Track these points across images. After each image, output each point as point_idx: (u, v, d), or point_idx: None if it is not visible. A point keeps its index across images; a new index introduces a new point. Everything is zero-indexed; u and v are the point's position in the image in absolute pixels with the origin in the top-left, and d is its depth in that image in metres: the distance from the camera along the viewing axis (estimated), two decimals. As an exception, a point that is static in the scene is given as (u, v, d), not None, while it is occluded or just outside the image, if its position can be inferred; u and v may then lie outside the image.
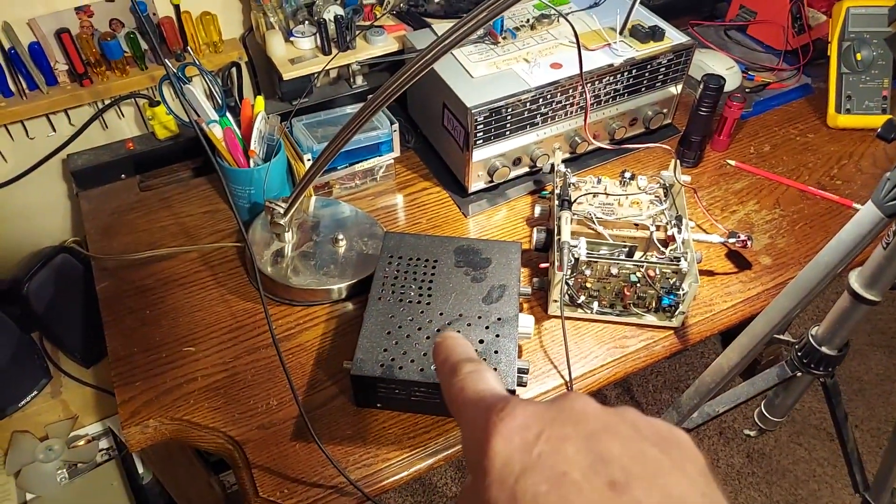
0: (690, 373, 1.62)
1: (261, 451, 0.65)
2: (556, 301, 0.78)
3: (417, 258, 0.76)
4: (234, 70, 0.99)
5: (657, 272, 0.75)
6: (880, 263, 0.58)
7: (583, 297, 0.78)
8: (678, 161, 0.86)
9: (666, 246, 0.80)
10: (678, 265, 0.74)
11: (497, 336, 0.68)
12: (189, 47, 0.93)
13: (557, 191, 0.85)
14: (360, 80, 1.04)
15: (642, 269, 0.75)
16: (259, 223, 0.84)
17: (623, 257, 0.77)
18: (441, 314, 0.70)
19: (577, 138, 0.95)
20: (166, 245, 0.85)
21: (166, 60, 0.83)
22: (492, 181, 0.93)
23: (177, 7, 0.94)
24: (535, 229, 0.82)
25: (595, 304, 0.78)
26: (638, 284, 0.76)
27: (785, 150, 1.02)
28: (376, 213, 0.91)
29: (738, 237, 0.82)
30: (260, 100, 0.84)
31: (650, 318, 0.79)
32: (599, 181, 0.87)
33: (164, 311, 0.78)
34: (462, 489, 0.25)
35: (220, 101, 0.82)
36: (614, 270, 0.75)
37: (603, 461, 0.21)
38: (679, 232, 0.79)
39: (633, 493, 0.20)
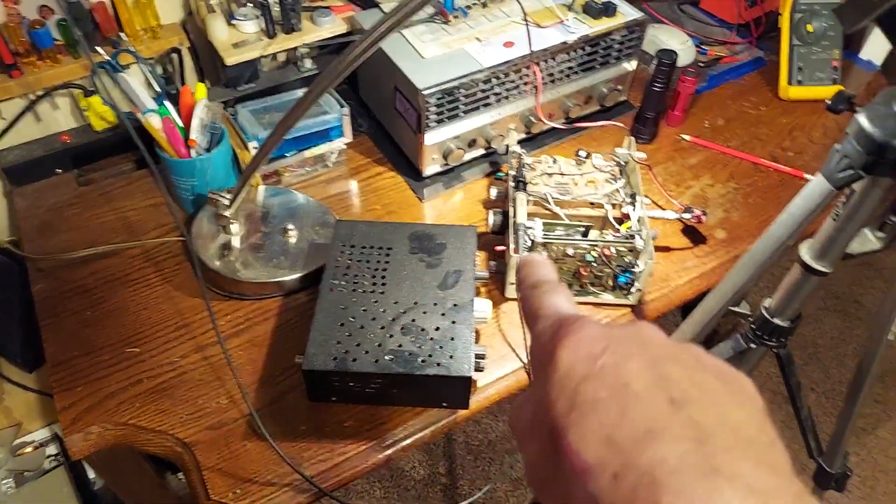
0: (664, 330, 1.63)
1: (211, 452, 0.63)
2: (512, 283, 0.76)
3: (371, 246, 0.74)
4: (174, 56, 0.95)
5: (612, 251, 0.74)
6: (830, 235, 0.58)
7: (540, 279, 0.77)
8: (633, 138, 0.85)
9: (621, 224, 0.80)
10: (633, 243, 0.74)
11: (453, 322, 0.67)
12: (124, 33, 0.89)
13: (512, 172, 0.83)
14: (308, 63, 1.01)
15: (598, 249, 0.74)
16: (205, 216, 0.81)
17: (578, 237, 0.76)
18: (396, 303, 0.68)
19: (531, 118, 0.93)
20: (108, 242, 0.82)
21: (98, 48, 0.79)
22: (447, 164, 0.91)
23: (109, -9, 0.89)
24: (490, 212, 0.81)
25: (552, 286, 0.77)
26: (594, 264, 0.75)
27: (738, 123, 1.02)
28: (329, 201, 0.89)
29: (693, 212, 0.82)
30: (201, 86, 0.80)
31: (607, 297, 0.78)
32: (555, 161, 0.86)
33: (106, 312, 0.75)
34: (521, 398, 0.26)
35: (158, 89, 0.79)
36: (570, 251, 0.75)
37: (664, 379, 0.22)
38: (634, 210, 0.79)
39: (690, 410, 0.21)
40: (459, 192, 0.91)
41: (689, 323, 0.65)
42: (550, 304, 0.28)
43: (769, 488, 0.19)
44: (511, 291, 0.78)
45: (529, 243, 0.74)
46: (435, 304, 0.69)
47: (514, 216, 0.77)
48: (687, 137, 0.98)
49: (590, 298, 0.78)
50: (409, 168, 0.93)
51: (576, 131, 0.99)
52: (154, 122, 0.75)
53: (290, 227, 0.80)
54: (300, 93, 0.92)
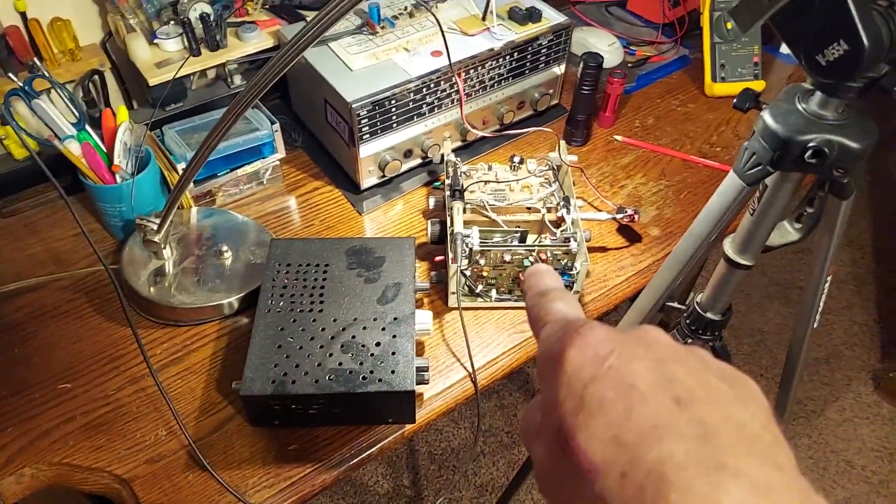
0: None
1: (151, 486, 0.61)
2: (454, 293, 0.77)
3: (307, 264, 0.73)
4: (96, 78, 0.92)
5: (549, 255, 0.75)
6: (749, 230, 0.60)
7: (480, 286, 0.78)
8: (564, 142, 0.87)
9: (558, 227, 0.81)
10: (568, 246, 0.75)
11: (394, 337, 0.67)
12: (40, 57, 0.86)
13: (448, 181, 0.84)
14: (238, 79, 0.99)
15: (534, 254, 0.75)
16: (135, 242, 0.79)
17: (515, 243, 0.77)
18: (335, 320, 0.68)
19: (465, 126, 0.94)
20: (35, 274, 0.79)
21: (11, 75, 0.76)
22: (384, 175, 0.91)
23: (23, 14, 0.86)
24: (429, 221, 0.81)
25: (493, 292, 0.78)
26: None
27: (668, 121, 1.05)
28: (266, 220, 0.87)
29: (626, 212, 0.84)
30: (122, 109, 0.78)
31: (548, 301, 0.79)
32: (490, 168, 0.87)
33: (36, 348, 0.72)
34: (530, 403, 0.27)
35: (77, 114, 0.76)
36: (508, 257, 0.75)
37: (669, 381, 0.22)
38: (568, 213, 0.80)
39: (695, 409, 0.21)
40: (399, 204, 0.91)
41: (624, 322, 0.67)
42: (557, 309, 0.28)
43: (773, 484, 0.19)
44: (453, 301, 0.78)
45: (467, 252, 0.75)
46: (375, 319, 0.68)
47: (452, 225, 0.78)
48: (619, 138, 1.00)
49: (530, 303, 0.79)
50: (347, 181, 0.92)
51: (510, 137, 1.00)
52: (73, 149, 0.73)
53: (225, 248, 0.79)
54: (230, 111, 0.91)
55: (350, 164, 0.89)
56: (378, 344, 0.66)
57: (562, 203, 0.81)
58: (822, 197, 0.59)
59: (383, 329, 0.68)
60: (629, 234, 0.88)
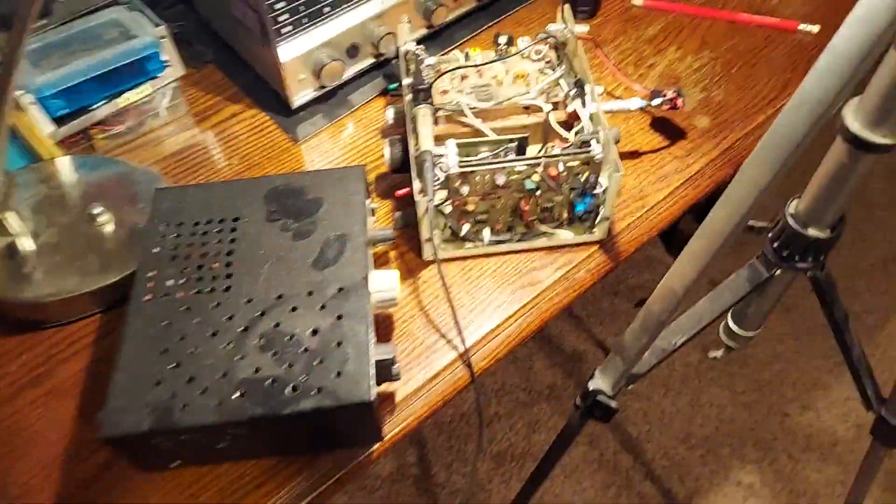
0: (631, 269, 1.44)
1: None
2: (428, 240, 0.53)
3: (207, 221, 0.50)
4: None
5: (562, 168, 0.51)
6: (892, 84, 0.36)
7: (466, 226, 0.54)
8: (567, 6, 0.61)
9: (570, 129, 0.57)
10: (589, 151, 0.51)
11: (339, 318, 0.44)
12: None
13: (409, 80, 0.59)
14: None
15: (540, 169, 0.51)
16: (-31, 214, 0.56)
17: (511, 157, 0.53)
18: (248, 302, 0.45)
19: (430, 3, 0.68)
20: None
21: None
22: (323, 86, 0.66)
23: None
24: (387, 141, 0.57)
25: (486, 232, 0.55)
26: (539, 192, 0.52)
27: (701, -26, 0.78)
28: (165, 165, 0.64)
29: (665, 96, 0.59)
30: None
31: (564, 235, 0.56)
32: (467, 56, 0.62)
33: None
34: None
35: None
36: (501, 179, 0.51)
37: None
38: (583, 105, 0.55)
39: None
40: (349, 124, 0.67)
41: (686, 260, 0.43)
42: None
43: None
44: (429, 251, 0.55)
45: (442, 178, 0.51)
46: (310, 294, 0.45)
47: (416, 142, 0.54)
48: (639, 2, 0.74)
49: (541, 242, 0.55)
50: (276, 101, 0.68)
51: (493, 17, 0.74)
52: None
53: (98, 210, 0.55)
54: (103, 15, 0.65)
55: (273, 73, 0.64)
56: (315, 332, 0.43)
57: (573, 92, 0.56)
58: None
59: (322, 307, 0.45)
60: (668, 128, 0.63)
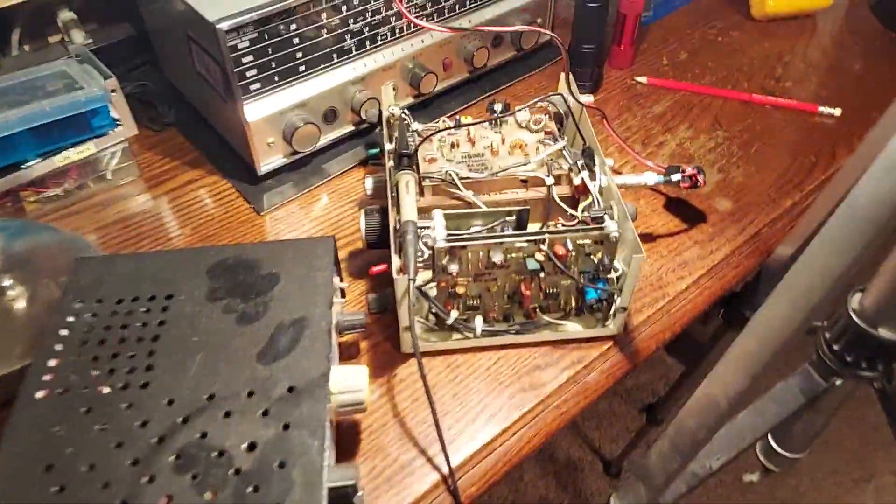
0: (645, 373, 1.33)
1: None
2: (407, 328, 0.44)
3: (133, 298, 0.40)
4: None
5: (570, 246, 0.43)
6: None
7: (455, 313, 0.45)
8: (570, 75, 0.55)
9: (575, 206, 0.49)
10: (603, 228, 0.42)
11: (285, 428, 0.34)
12: None
13: (391, 146, 0.51)
14: (79, 36, 0.67)
15: (545, 246, 0.42)
16: None
17: (509, 231, 0.45)
18: (170, 402, 0.35)
19: (418, 69, 0.62)
20: None
21: None
22: (295, 151, 0.58)
23: None
24: (363, 212, 0.48)
25: (478, 321, 0.45)
26: (543, 274, 0.44)
27: (707, 55, 0.73)
28: (104, 233, 0.54)
29: (683, 172, 0.51)
30: None
31: (573, 328, 0.46)
32: (458, 125, 0.55)
33: None
34: None
35: None
36: (498, 257, 0.43)
37: None
38: (592, 177, 0.48)
39: None
40: (323, 195, 0.59)
41: (732, 364, 0.34)
42: None
43: None
44: (408, 342, 0.45)
45: (426, 253, 0.42)
46: (251, 395, 0.35)
47: (398, 212, 0.45)
48: (643, 79, 0.69)
49: (545, 335, 0.46)
50: (242, 167, 0.60)
51: (487, 89, 0.68)
52: None
53: (7, 283, 0.45)
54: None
55: (239, 135, 0.56)
56: (252, 447, 0.33)
57: (580, 163, 0.49)
58: None
59: (265, 413, 0.34)
60: (685, 210, 0.56)
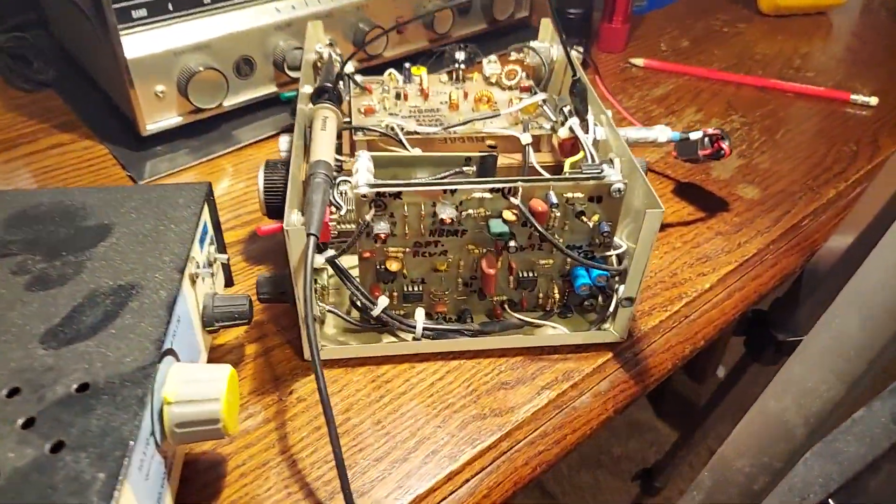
0: (614, 437, 1.17)
1: None
2: (306, 319, 0.29)
3: None
4: None
5: (553, 200, 0.29)
6: None
7: (384, 301, 0.30)
8: (556, 25, 0.43)
9: (559, 174, 0.36)
10: (601, 175, 0.29)
11: (55, 450, 0.19)
12: None
13: (310, 88, 0.38)
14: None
15: (516, 199, 0.29)
16: None
17: (469, 178, 0.31)
18: None
19: (363, 24, 0.50)
20: None
21: None
22: (195, 109, 0.45)
23: None
24: (262, 166, 0.34)
25: (419, 315, 0.31)
26: (512, 245, 0.30)
27: (713, 43, 0.63)
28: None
29: (705, 136, 0.39)
30: None
31: (555, 331, 0.32)
32: (408, 78, 0.42)
33: None
34: None
35: None
36: (447, 212, 0.29)
37: None
38: (585, 130, 0.35)
39: None
40: (228, 166, 0.45)
41: (819, 364, 0.21)
42: None
43: None
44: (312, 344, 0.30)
45: (343, 209, 0.28)
46: (12, 394, 0.20)
47: (307, 152, 0.31)
48: (640, 61, 0.57)
49: (516, 340, 0.32)
50: (126, 132, 0.46)
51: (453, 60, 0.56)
52: None
53: None
54: None
55: (117, 82, 0.43)
56: (-35, 482, 0.18)
57: (568, 109, 0.36)
58: None
59: (27, 425, 0.19)
60: (700, 196, 0.43)
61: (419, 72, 0.42)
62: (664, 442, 1.08)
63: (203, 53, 0.43)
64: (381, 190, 0.28)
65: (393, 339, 0.32)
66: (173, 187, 0.30)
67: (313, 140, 0.32)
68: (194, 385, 0.24)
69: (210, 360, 0.31)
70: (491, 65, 0.42)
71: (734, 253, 0.39)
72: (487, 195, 0.29)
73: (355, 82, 0.40)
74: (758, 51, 0.61)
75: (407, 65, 0.42)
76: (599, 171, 0.30)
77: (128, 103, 0.43)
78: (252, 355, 0.31)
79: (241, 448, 0.28)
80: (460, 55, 0.42)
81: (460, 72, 0.42)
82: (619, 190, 0.29)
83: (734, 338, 0.55)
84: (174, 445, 0.24)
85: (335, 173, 0.30)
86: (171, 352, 0.25)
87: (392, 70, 0.41)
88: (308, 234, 0.26)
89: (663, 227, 0.40)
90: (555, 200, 0.29)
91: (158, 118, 0.44)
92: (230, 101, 0.46)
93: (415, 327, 0.31)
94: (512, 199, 0.29)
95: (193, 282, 0.28)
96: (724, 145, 0.38)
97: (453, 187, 0.28)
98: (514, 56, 0.43)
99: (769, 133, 0.50)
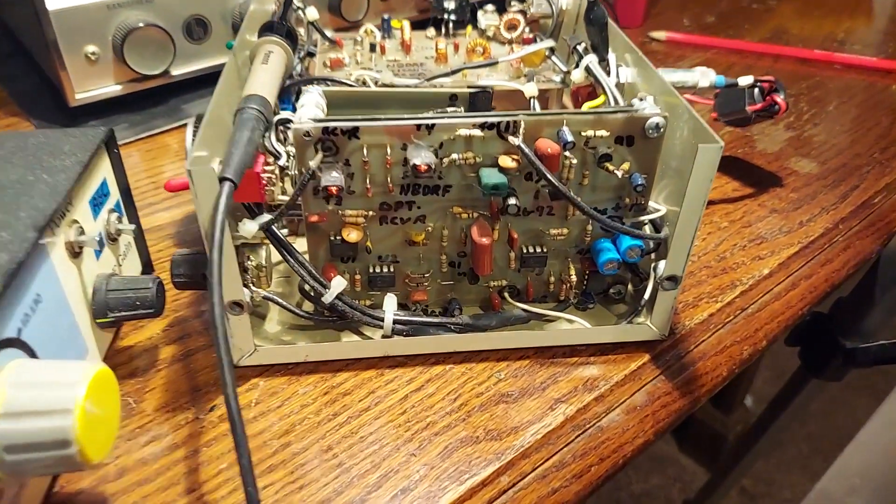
0: (635, 471, 1.07)
1: None
2: (234, 306, 0.21)
3: None
4: None
5: (568, 138, 0.21)
6: None
7: (340, 283, 0.22)
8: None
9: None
10: (633, 110, 0.21)
11: None
12: None
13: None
14: None
15: (517, 140, 0.21)
16: None
17: (454, 113, 0.23)
18: None
19: (339, -14, 0.43)
20: None
21: None
22: (136, 76, 0.37)
23: None
24: (190, 121, 0.27)
25: (388, 304, 0.23)
26: (513, 203, 0.22)
27: (742, 18, 0.55)
28: None
29: (756, 83, 0.31)
30: None
31: (571, 325, 0.24)
32: (388, 30, 0.35)
33: None
34: None
35: None
36: (423, 157, 0.21)
37: None
38: (606, 69, 0.27)
39: None
40: (172, 142, 0.37)
41: None
42: None
43: None
44: (242, 345, 0.22)
45: (283, 155, 0.21)
46: None
47: (248, 87, 0.24)
48: (661, 35, 0.50)
49: (520, 338, 0.24)
50: (58, 107, 0.39)
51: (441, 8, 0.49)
52: None
53: None
54: None
55: (39, 41, 0.36)
56: None
57: (584, 51, 0.28)
58: None
59: None
60: (744, 171, 0.35)
61: (400, 24, 0.35)
62: (689, 479, 0.98)
63: (144, 9, 0.36)
64: (332, 125, 0.21)
65: (355, 337, 0.24)
66: (59, 132, 0.23)
67: (249, 75, 0.24)
68: (37, 390, 0.16)
69: (111, 367, 0.23)
70: (487, 15, 0.35)
71: (796, 233, 0.31)
72: (477, 132, 0.21)
73: (321, 33, 0.33)
74: (794, 26, 0.54)
75: (386, 15, 0.35)
76: (631, 110, 0.22)
77: (53, 68, 0.36)
78: (167, 360, 0.24)
79: (133, 484, 0.20)
80: (450, 4, 0.35)
81: (450, 23, 0.35)
82: (656, 125, 0.21)
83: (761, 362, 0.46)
84: (8, 478, 0.16)
85: (275, 116, 0.22)
86: (15, 342, 0.17)
87: (369, 25, 0.34)
88: (221, 179, 0.18)
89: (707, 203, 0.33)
90: (569, 138, 0.21)
91: (90, 86, 0.36)
92: (179, 70, 0.39)
93: (383, 320, 0.23)
94: (511, 139, 0.21)
95: (76, 255, 0.21)
96: (779, 98, 0.31)
97: (430, 121, 0.21)
98: (515, 6, 0.36)
99: (820, 105, 0.42)
